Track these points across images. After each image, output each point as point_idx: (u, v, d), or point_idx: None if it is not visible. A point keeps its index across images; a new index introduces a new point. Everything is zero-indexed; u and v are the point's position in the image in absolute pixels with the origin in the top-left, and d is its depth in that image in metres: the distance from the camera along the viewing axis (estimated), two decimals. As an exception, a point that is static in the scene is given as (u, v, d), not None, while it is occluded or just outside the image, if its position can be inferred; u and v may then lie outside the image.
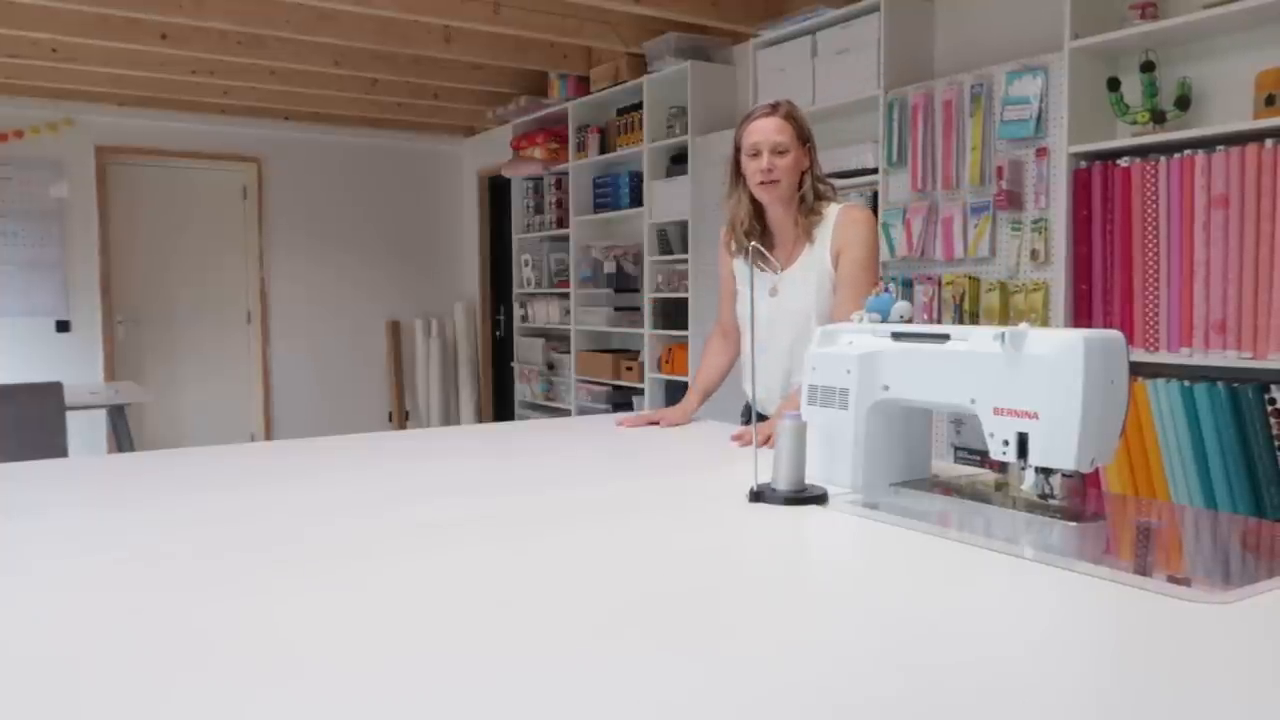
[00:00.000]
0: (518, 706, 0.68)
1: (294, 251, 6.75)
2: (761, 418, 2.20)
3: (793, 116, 2.03)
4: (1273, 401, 2.53)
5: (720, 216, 4.44)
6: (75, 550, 1.12)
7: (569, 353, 5.65)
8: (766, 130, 2.01)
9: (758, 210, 2.10)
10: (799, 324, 2.02)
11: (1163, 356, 2.75)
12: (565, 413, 5.65)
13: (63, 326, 6.02)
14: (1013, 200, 3.16)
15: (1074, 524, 1.18)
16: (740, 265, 2.17)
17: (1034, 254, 3.11)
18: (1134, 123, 2.84)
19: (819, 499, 1.32)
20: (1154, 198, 2.76)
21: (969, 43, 3.51)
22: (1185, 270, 2.70)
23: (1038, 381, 1.18)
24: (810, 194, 2.04)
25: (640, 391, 5.04)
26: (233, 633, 0.84)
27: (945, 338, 1.33)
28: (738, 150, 2.07)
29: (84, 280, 6.06)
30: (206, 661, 0.77)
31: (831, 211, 2.05)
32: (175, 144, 6.31)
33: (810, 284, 2.04)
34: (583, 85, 5.41)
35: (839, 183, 3.81)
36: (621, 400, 5.24)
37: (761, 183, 2.02)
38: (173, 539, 1.17)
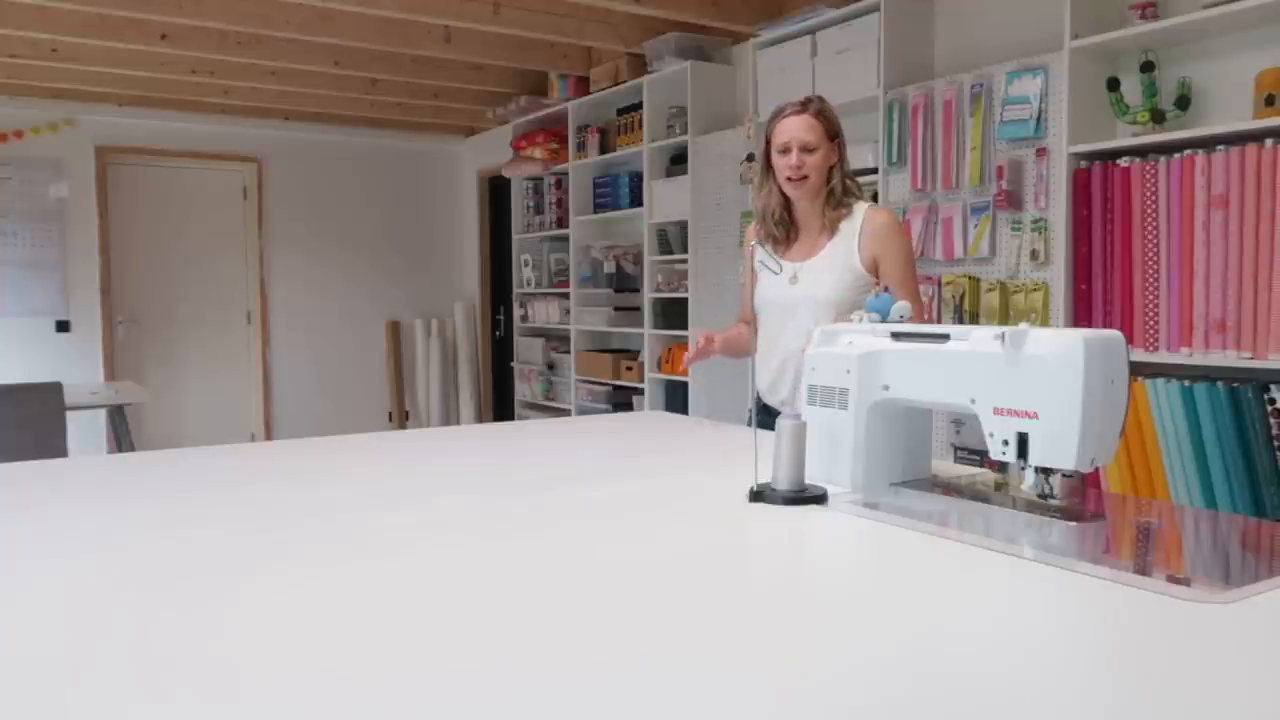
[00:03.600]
0: (515, 707, 0.68)
1: (294, 251, 6.75)
2: (766, 409, 2.21)
3: (822, 114, 2.11)
4: (1273, 401, 2.53)
5: (721, 215, 4.47)
6: (74, 550, 1.12)
7: (569, 353, 5.65)
8: (796, 128, 2.09)
9: (787, 202, 2.19)
10: (817, 311, 2.07)
11: (1163, 356, 2.75)
12: (565, 413, 5.65)
13: (63, 326, 6.02)
14: (1013, 200, 3.16)
15: (1074, 524, 1.18)
16: (760, 256, 2.26)
17: (1034, 254, 3.11)
18: (1134, 123, 2.84)
19: (819, 499, 1.32)
20: (1154, 198, 2.76)
21: (969, 43, 3.51)
22: (1185, 270, 2.70)
23: (1038, 381, 1.17)
24: (839, 188, 2.13)
25: (640, 391, 5.04)
26: (231, 631, 0.84)
27: (945, 338, 1.32)
28: (769, 145, 2.16)
29: (84, 280, 6.06)
30: (206, 660, 0.77)
31: (859, 210, 2.13)
32: (175, 144, 6.31)
33: (833, 273, 2.10)
34: (583, 85, 5.41)
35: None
36: (621, 400, 5.24)
37: (790, 179, 2.11)
38: (172, 539, 1.17)
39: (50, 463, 1.76)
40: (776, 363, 2.20)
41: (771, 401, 2.23)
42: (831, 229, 2.13)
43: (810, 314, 2.07)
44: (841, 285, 2.08)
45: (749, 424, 2.15)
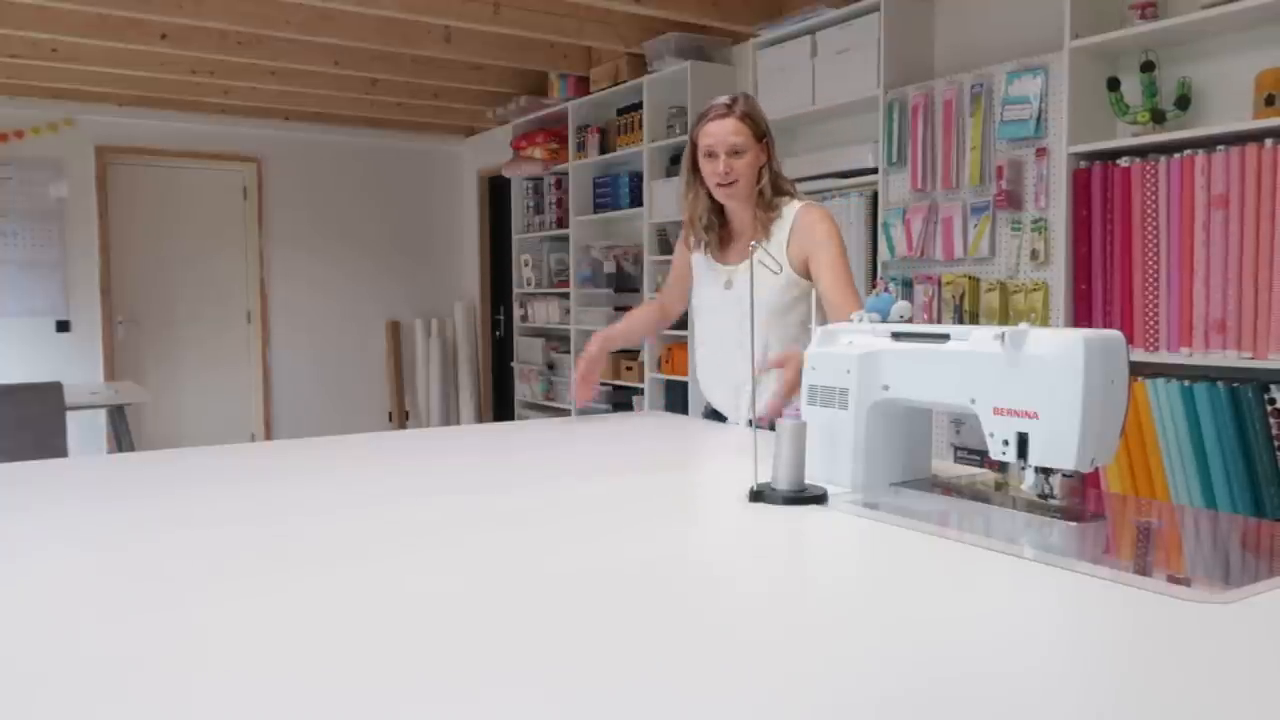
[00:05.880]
0: (516, 708, 0.68)
1: (294, 251, 6.75)
2: (716, 415, 2.20)
3: (749, 115, 2.01)
4: (1273, 401, 2.53)
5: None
6: (74, 550, 1.12)
7: (569, 353, 5.65)
8: (722, 131, 1.99)
9: (716, 206, 2.09)
10: (745, 316, 2.01)
11: (1163, 356, 2.75)
12: (565, 413, 5.65)
13: (63, 326, 6.03)
14: (1013, 200, 3.16)
15: (1074, 524, 1.18)
16: (698, 259, 2.18)
17: (1034, 254, 3.11)
18: (1134, 123, 2.84)
19: (819, 499, 1.32)
20: (1154, 198, 2.76)
21: (969, 43, 3.51)
22: (1185, 270, 2.70)
23: (1038, 381, 1.17)
24: (769, 189, 2.03)
25: (640, 391, 5.04)
26: (231, 630, 0.84)
27: (945, 338, 1.32)
28: (694, 148, 2.06)
29: (84, 280, 6.07)
30: (206, 659, 0.77)
31: (790, 210, 2.03)
32: (175, 144, 6.31)
33: (762, 277, 2.00)
34: (583, 85, 5.41)
35: (838, 183, 3.82)
36: (621, 400, 5.24)
37: (719, 185, 2.02)
38: (172, 538, 1.17)
39: (50, 463, 1.76)
40: (714, 368, 2.14)
41: (713, 404, 2.20)
42: (765, 231, 2.03)
43: (737, 319, 1.99)
44: (773, 289, 1.99)
45: (737, 421, 2.15)
